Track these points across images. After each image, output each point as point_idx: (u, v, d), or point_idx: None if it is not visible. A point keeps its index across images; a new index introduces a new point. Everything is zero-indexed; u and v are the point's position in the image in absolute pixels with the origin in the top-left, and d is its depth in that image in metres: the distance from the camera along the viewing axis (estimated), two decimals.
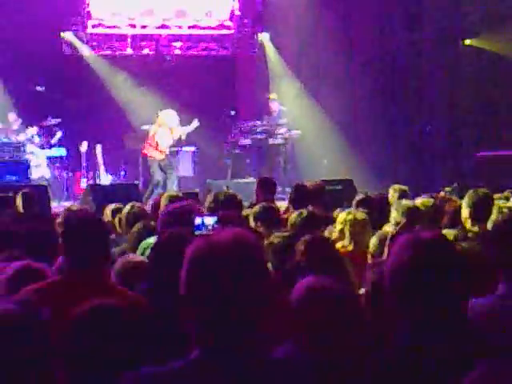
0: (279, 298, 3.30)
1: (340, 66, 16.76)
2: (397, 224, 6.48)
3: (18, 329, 2.34)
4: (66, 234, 4.07)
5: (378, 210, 7.41)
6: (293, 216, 6.56)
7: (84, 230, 4.03)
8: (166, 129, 14.83)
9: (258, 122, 16.42)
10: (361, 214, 6.53)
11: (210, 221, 3.38)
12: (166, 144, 14.80)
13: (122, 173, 16.50)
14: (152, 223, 5.75)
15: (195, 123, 15.25)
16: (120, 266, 4.88)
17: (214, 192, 6.94)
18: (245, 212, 7.04)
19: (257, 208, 6.84)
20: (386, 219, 6.94)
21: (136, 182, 14.59)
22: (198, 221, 3.41)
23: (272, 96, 16.49)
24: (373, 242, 5.69)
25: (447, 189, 10.75)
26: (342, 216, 6.52)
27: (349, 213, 6.57)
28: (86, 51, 17.44)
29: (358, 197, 8.05)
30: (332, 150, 16.73)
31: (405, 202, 7.05)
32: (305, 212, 6.50)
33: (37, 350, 2.34)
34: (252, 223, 6.65)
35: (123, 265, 4.88)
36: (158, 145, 14.66)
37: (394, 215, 6.82)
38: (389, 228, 6.24)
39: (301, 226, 6.17)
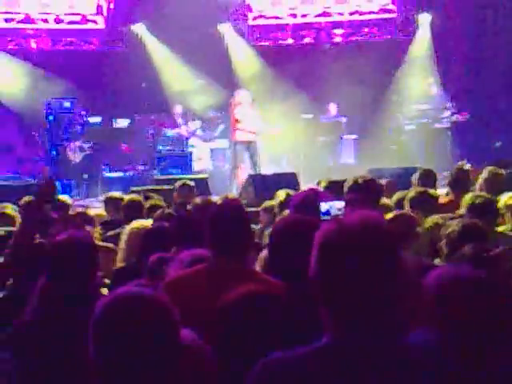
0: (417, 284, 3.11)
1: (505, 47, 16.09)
2: None
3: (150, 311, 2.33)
4: (209, 222, 4.05)
5: None
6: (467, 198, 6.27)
7: (224, 218, 3.99)
8: (245, 106, 14.19)
9: (423, 107, 15.99)
10: None
11: (337, 205, 3.19)
12: (251, 120, 14.12)
13: (284, 162, 16.49)
14: None
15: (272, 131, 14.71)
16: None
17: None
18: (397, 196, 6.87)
19: (412, 193, 6.75)
20: None
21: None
22: (325, 206, 3.23)
23: (430, 80, 16.02)
24: None
25: None
26: (503, 200, 6.22)
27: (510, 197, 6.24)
28: (241, 43, 17.45)
29: None
30: (506, 132, 16.10)
31: None
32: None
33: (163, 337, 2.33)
34: (407, 208, 6.52)
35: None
36: (241, 122, 14.05)
37: None
38: None
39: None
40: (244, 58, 17.39)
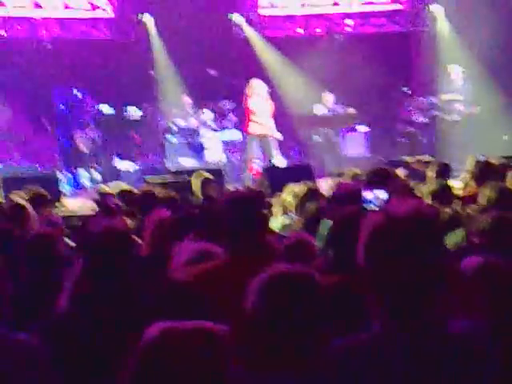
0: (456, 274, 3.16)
1: None
2: None
3: None
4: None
5: None
6: (487, 190, 6.29)
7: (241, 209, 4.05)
8: (259, 98, 14.16)
9: (433, 99, 15.96)
10: None
11: (379, 194, 3.22)
12: (264, 111, 14.09)
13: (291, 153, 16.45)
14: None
15: (277, 136, 14.52)
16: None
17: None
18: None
19: (434, 185, 6.78)
20: None
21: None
22: (368, 195, 3.26)
23: (450, 69, 15.98)
24: None
25: None
26: None
27: None
28: (252, 33, 17.36)
29: None
30: None
31: None
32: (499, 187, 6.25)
33: None
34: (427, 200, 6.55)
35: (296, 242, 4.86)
36: (254, 113, 14.01)
37: None
38: None
39: (496, 202, 5.94)
40: (256, 48, 17.30)
